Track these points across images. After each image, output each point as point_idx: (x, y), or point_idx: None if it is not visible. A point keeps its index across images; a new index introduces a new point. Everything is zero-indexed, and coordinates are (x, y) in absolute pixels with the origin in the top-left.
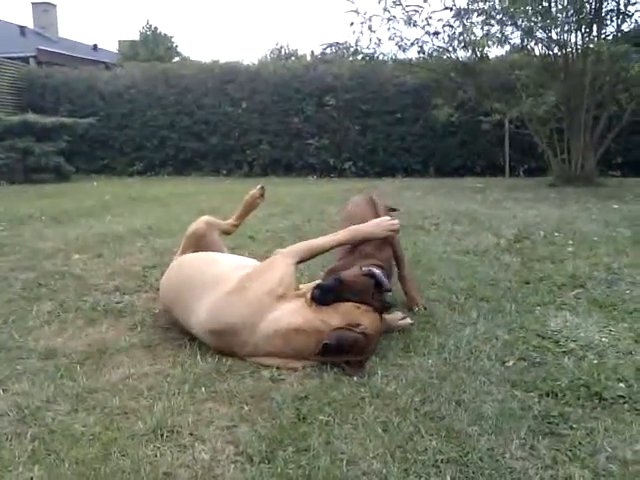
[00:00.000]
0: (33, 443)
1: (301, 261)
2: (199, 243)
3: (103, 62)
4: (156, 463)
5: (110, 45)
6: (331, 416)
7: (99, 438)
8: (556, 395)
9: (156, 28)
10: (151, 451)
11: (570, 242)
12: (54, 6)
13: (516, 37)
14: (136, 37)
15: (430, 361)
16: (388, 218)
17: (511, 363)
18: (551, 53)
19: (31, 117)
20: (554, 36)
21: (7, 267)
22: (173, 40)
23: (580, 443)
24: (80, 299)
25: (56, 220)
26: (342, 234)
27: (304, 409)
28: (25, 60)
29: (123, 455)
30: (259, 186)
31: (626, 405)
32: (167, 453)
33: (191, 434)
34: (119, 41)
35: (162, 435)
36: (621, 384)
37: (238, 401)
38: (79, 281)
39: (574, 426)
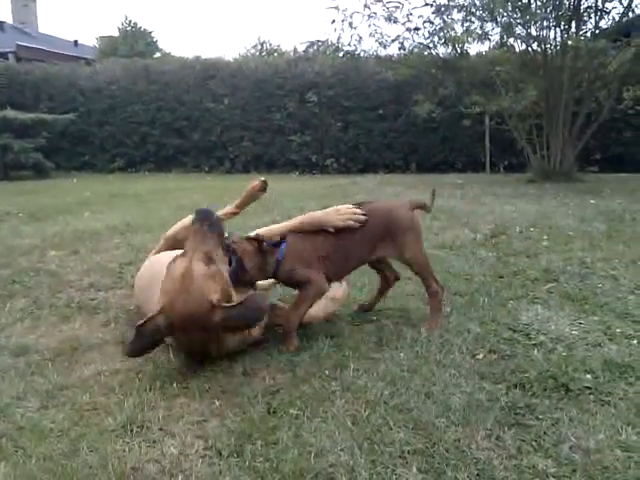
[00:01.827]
0: (0, 440)
1: None
2: (178, 247)
3: (84, 58)
4: (124, 458)
5: (91, 41)
6: (301, 410)
7: (68, 434)
8: (524, 387)
9: (135, 23)
10: (120, 446)
11: (545, 237)
12: (34, 1)
13: (496, 33)
14: (115, 33)
15: (402, 354)
16: (350, 206)
17: (481, 356)
18: (530, 49)
19: (10, 113)
20: (533, 32)
21: None
22: (153, 35)
23: (545, 433)
24: (54, 296)
25: (34, 217)
26: (295, 220)
27: (274, 403)
28: (4, 56)
29: (91, 451)
30: (261, 179)
31: (592, 396)
32: (136, 448)
33: (161, 429)
34: (98, 37)
35: (132, 430)
36: (588, 375)
37: (209, 396)
38: (54, 278)
39: (540, 417)
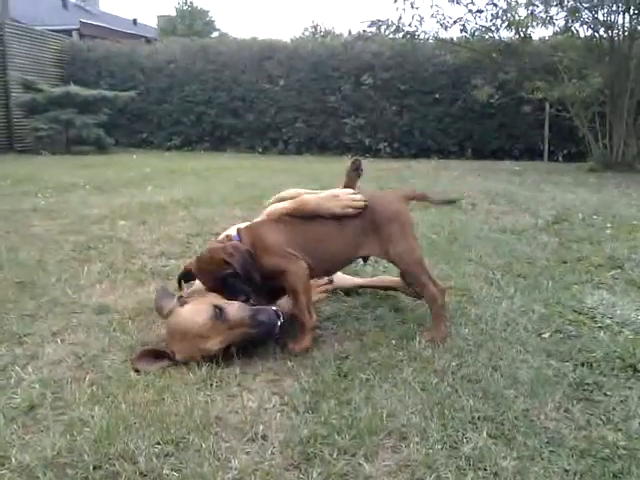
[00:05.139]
0: (92, 387)
1: None
2: None
3: (143, 36)
4: (207, 408)
5: (149, 20)
6: (371, 374)
7: (153, 385)
8: (591, 365)
9: (192, 3)
10: (202, 398)
11: (609, 225)
12: None
13: (561, 18)
14: (173, 12)
15: (467, 330)
16: (351, 191)
17: (547, 335)
18: (596, 35)
19: (73, 89)
20: (600, 17)
21: (56, 230)
22: (210, 15)
23: (614, 409)
24: (128, 261)
25: (99, 189)
26: (289, 203)
27: (345, 367)
28: (68, 33)
29: (176, 400)
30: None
31: None
32: (217, 400)
33: (239, 385)
34: (158, 16)
35: (211, 385)
36: None
37: (282, 358)
38: (126, 245)
39: (608, 393)
